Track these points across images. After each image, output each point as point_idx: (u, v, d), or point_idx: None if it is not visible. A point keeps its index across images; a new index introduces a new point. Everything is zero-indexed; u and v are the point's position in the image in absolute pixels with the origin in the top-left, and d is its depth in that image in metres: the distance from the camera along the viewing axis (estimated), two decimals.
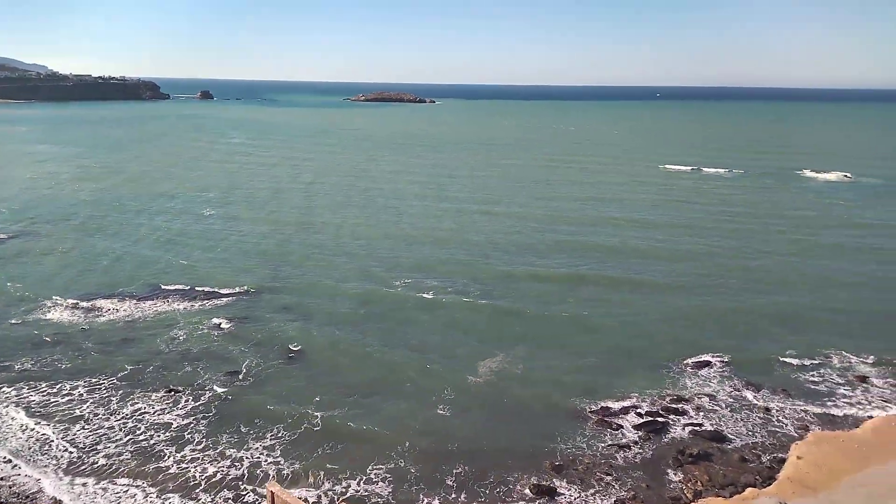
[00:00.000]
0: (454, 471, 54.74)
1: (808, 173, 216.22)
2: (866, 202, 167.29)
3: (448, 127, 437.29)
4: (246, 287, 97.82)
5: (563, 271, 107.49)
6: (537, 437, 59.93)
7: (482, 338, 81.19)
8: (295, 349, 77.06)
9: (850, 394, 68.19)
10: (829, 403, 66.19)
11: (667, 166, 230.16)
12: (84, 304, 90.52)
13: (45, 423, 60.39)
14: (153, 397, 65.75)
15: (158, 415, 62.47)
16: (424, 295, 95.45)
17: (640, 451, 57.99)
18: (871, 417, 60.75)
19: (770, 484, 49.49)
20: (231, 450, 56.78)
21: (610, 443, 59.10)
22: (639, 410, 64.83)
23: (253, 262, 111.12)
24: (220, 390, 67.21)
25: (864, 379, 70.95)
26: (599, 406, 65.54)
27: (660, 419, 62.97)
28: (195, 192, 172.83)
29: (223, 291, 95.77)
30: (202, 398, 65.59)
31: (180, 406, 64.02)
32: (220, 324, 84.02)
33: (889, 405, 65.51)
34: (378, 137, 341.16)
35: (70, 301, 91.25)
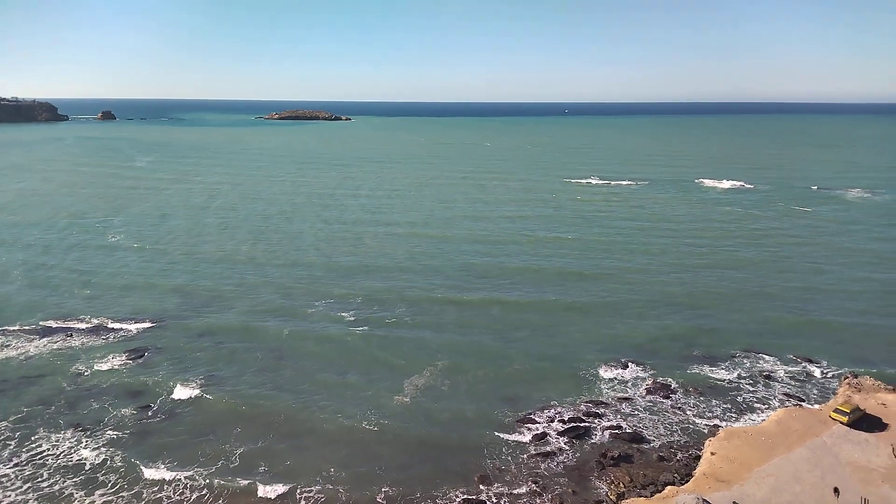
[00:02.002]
0: (383, 490, 54.09)
1: (707, 182, 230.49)
2: (758, 208, 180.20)
3: (361, 143, 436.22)
4: (153, 319, 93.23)
5: (478, 292, 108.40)
6: (464, 451, 60.24)
7: (406, 358, 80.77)
8: (208, 381, 74.11)
9: (756, 389, 72.78)
10: (737, 400, 70.43)
11: (577, 180, 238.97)
12: None
13: None
14: (57, 438, 61.40)
15: (65, 456, 58.32)
16: (343, 318, 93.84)
17: (565, 457, 59.36)
18: (774, 410, 64.82)
19: (688, 480, 51.76)
20: (149, 489, 53.83)
21: (535, 451, 60.17)
22: (561, 417, 66.45)
23: (159, 292, 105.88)
24: (130, 427, 63.54)
25: (767, 375, 75.93)
26: (523, 415, 66.78)
27: (581, 424, 64.78)
28: (98, 219, 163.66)
29: (129, 325, 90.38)
30: (112, 436, 61.72)
31: (88, 446, 59.91)
32: (127, 358, 79.49)
33: (789, 398, 70.41)
34: (292, 155, 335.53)
35: None
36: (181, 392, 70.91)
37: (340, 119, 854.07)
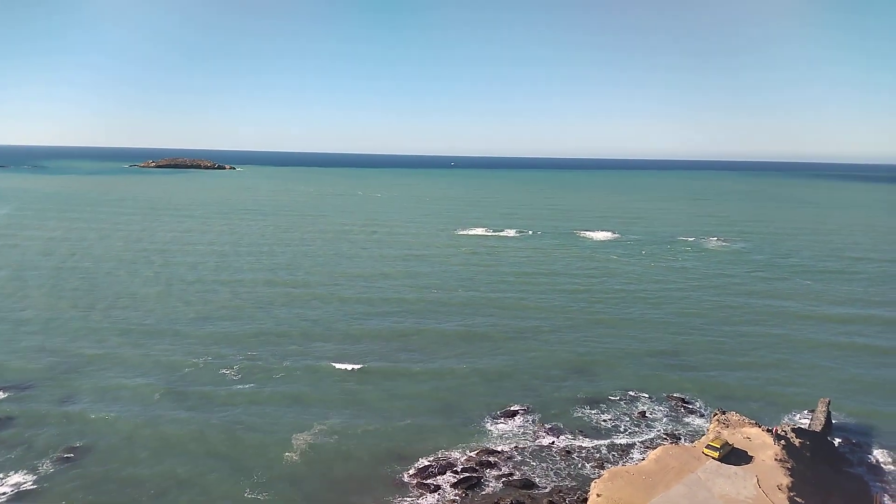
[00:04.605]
0: None
1: (584, 233, 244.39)
2: (630, 254, 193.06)
3: (244, 194, 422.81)
4: (14, 379, 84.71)
5: (362, 351, 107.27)
6: None
7: (294, 410, 78.04)
8: (83, 444, 67.70)
9: (636, 429, 76.44)
10: (619, 440, 73.51)
11: (465, 231, 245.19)
12: None
13: None
14: None
15: None
16: (226, 371, 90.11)
17: None
18: (653, 449, 68.07)
19: None
20: None
21: None
22: (454, 468, 66.03)
23: (21, 349, 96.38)
24: None
25: (645, 415, 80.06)
26: (417, 468, 65.80)
27: (474, 475, 64.68)
28: None
29: None
30: None
31: None
32: None
33: (666, 436, 74.49)
34: (174, 205, 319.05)
35: None
36: (52, 459, 64.20)
37: (224, 168, 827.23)
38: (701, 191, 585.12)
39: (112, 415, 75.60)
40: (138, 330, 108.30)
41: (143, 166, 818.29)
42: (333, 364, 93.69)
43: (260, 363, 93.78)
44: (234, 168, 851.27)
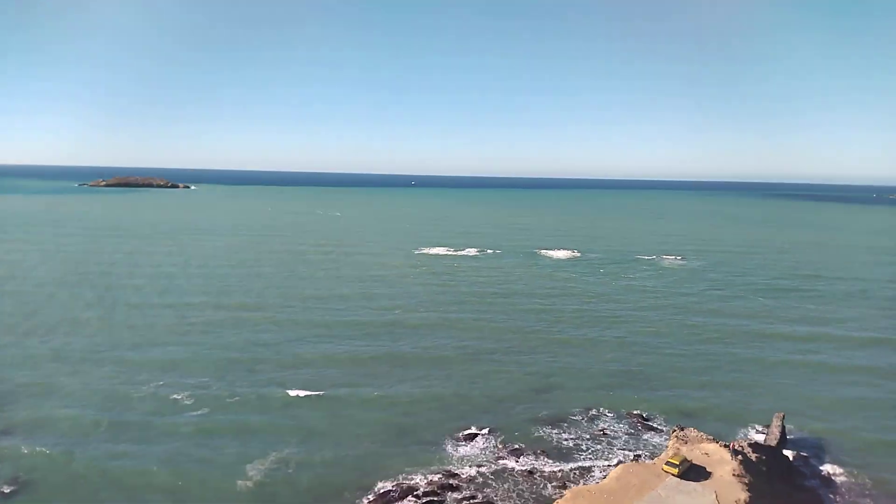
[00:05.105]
0: None
1: (544, 252, 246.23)
2: (589, 273, 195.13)
3: (201, 212, 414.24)
4: None
5: (317, 371, 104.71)
6: None
7: (245, 441, 74.93)
8: (17, 481, 63.62)
9: (596, 447, 76.13)
10: (580, 459, 73.04)
11: (425, 250, 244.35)
12: None
13: None
14: None
15: None
16: (172, 399, 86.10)
17: None
18: (614, 467, 67.75)
19: None
20: None
21: None
22: (416, 492, 64.34)
23: None
24: None
25: (604, 433, 79.87)
26: (377, 493, 63.94)
27: (436, 498, 63.12)
28: None
29: None
30: None
31: None
32: None
33: (626, 453, 74.34)
34: (121, 225, 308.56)
35: None
36: None
37: (178, 186, 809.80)
38: (660, 210, 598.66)
39: (48, 449, 71.39)
40: (78, 357, 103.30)
41: (94, 185, 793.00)
42: (286, 391, 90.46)
43: (208, 391, 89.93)
44: (189, 186, 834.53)
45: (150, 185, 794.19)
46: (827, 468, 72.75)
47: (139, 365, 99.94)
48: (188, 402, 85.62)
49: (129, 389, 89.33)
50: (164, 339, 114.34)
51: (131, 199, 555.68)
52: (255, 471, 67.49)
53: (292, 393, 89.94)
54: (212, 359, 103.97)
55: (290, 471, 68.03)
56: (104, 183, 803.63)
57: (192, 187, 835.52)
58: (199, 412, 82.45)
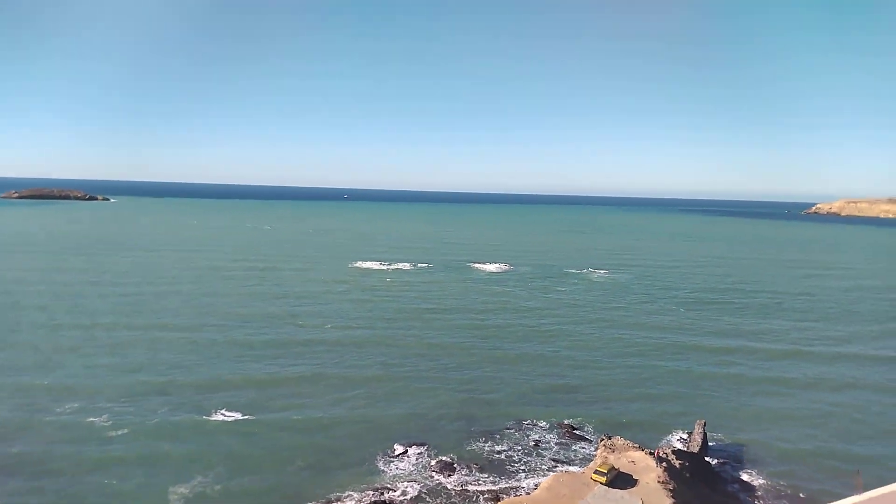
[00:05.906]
0: None
1: (476, 265, 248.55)
2: (520, 287, 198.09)
3: (118, 226, 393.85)
4: None
5: (238, 394, 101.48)
6: None
7: (161, 467, 70.96)
8: None
9: (529, 458, 76.71)
10: (512, 471, 73.36)
11: (356, 264, 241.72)
12: None
13: None
14: None
15: None
16: (81, 428, 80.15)
17: None
18: (545, 477, 68.38)
19: None
20: None
21: None
22: None
23: None
24: None
25: (537, 444, 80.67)
26: None
27: None
28: None
29: None
30: None
31: None
32: None
33: (557, 464, 75.25)
34: (28, 240, 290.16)
35: None
36: None
37: (97, 199, 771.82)
38: (595, 224, 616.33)
39: None
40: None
41: (5, 197, 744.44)
42: (203, 416, 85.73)
43: (118, 417, 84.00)
44: (108, 199, 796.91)
45: (67, 197, 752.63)
46: (746, 474, 75.96)
47: (41, 390, 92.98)
48: (94, 430, 79.65)
49: (28, 417, 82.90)
50: (69, 362, 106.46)
51: (45, 211, 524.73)
52: (177, 496, 64.12)
53: (210, 418, 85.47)
54: (122, 382, 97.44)
55: (216, 496, 64.98)
56: (17, 194, 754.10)
57: (112, 199, 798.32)
58: (107, 440, 77.10)
